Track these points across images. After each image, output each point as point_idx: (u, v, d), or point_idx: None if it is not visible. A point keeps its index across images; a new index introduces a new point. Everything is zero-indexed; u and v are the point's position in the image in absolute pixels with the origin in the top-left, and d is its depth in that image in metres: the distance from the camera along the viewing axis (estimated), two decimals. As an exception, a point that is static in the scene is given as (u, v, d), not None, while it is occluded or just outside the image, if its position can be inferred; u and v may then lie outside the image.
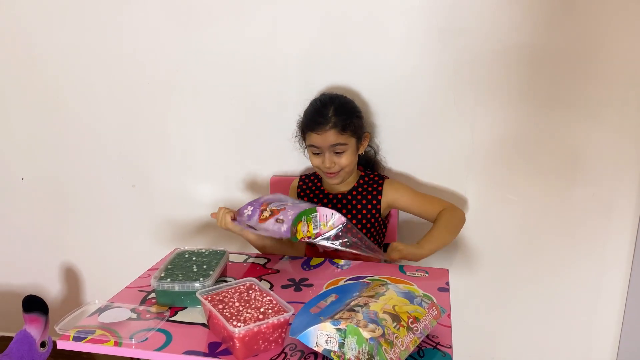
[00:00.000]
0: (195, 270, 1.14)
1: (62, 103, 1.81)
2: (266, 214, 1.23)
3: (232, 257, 1.34)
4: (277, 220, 1.19)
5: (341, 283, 1.17)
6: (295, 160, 1.68)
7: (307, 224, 1.18)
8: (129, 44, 1.70)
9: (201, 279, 1.09)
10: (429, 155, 1.60)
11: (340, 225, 1.21)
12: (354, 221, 1.48)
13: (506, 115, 1.51)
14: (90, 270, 2.00)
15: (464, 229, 1.48)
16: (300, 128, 1.48)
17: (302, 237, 1.17)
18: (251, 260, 1.34)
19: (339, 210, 1.50)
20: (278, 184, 1.68)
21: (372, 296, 0.95)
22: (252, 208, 1.27)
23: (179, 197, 1.82)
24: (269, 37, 1.59)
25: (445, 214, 1.43)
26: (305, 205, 1.21)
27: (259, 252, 1.41)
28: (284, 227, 1.16)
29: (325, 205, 1.51)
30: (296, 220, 1.16)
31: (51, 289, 2.04)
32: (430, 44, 1.50)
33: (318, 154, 1.43)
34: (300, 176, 1.61)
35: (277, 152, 1.68)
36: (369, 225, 1.49)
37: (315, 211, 1.19)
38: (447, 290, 1.15)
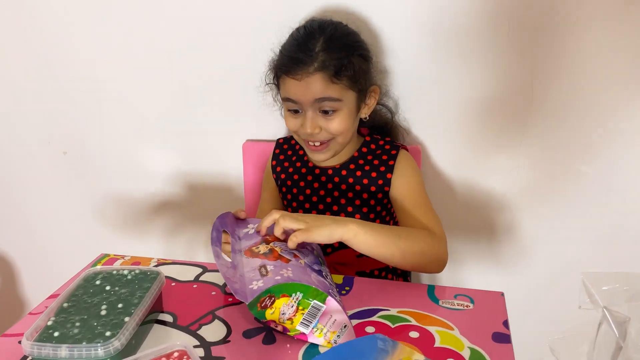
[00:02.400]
0: (103, 314, 0.71)
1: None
2: (262, 248, 0.79)
3: (181, 273, 0.91)
4: (261, 267, 0.75)
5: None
6: (277, 121, 1.21)
7: (297, 309, 0.70)
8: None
9: (108, 332, 0.66)
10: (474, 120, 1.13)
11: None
12: (349, 209, 1.03)
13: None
14: (24, 257, 1.58)
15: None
16: (273, 70, 1.01)
17: (266, 321, 0.71)
18: (208, 277, 0.90)
19: (327, 196, 1.05)
20: (253, 151, 1.23)
21: None
22: (254, 230, 0.87)
23: (125, 168, 1.37)
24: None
25: (420, 231, 0.93)
26: (317, 281, 0.74)
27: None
28: (255, 285, 0.72)
29: (308, 183, 1.06)
30: (280, 291, 0.70)
31: (-20, 279, 1.64)
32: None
33: (296, 111, 0.97)
34: (278, 140, 1.15)
35: (251, 110, 1.21)
36: (382, 212, 1.05)
37: (324, 302, 0.71)
38: (507, 338, 0.72)
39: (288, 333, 0.71)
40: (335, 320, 0.71)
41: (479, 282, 1.27)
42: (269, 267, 0.74)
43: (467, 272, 1.27)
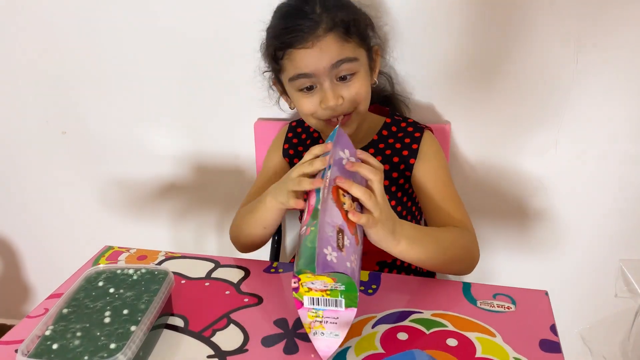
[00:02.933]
0: (107, 321, 0.63)
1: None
2: (346, 200, 0.67)
3: (191, 269, 0.83)
4: (339, 233, 0.64)
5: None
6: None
7: (325, 291, 0.61)
8: None
9: (113, 345, 0.59)
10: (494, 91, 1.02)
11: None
12: None
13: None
14: (26, 241, 1.51)
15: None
16: (269, 54, 0.90)
17: (299, 296, 0.63)
18: (220, 273, 0.82)
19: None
20: (265, 131, 1.14)
21: None
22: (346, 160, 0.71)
23: (128, 149, 1.28)
24: None
25: (460, 235, 0.84)
26: (358, 282, 0.64)
27: (236, 255, 0.90)
28: (329, 255, 0.60)
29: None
30: (337, 276, 0.60)
31: (-17, 264, 1.58)
32: None
33: (309, 89, 0.86)
34: (290, 123, 1.06)
35: (263, 87, 1.11)
36: (403, 198, 0.96)
37: (348, 307, 0.62)
38: (556, 347, 0.64)
39: (292, 290, 0.63)
40: (336, 323, 0.63)
41: (509, 271, 1.19)
42: (346, 241, 0.64)
43: (496, 261, 1.19)
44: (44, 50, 1.21)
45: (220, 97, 1.17)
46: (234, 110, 1.17)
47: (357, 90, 0.86)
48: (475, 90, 1.04)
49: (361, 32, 0.87)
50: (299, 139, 1.03)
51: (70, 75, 1.22)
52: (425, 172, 0.93)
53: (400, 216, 0.97)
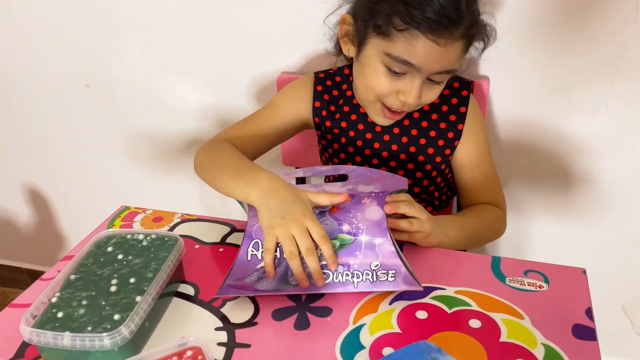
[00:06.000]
0: (113, 290, 0.62)
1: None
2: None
3: (206, 233, 0.80)
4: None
5: (392, 323, 0.61)
6: (315, 52, 1.04)
7: None
8: None
9: (117, 316, 0.57)
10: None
11: None
12: (410, 165, 0.88)
13: None
14: (56, 192, 1.53)
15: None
16: (380, 10, 0.71)
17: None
18: (235, 238, 0.79)
19: (383, 150, 0.89)
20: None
21: None
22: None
23: (151, 103, 1.24)
24: None
25: (494, 215, 0.85)
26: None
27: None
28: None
29: (366, 141, 0.90)
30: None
31: (20, 214, 1.61)
32: None
33: (397, 74, 0.74)
34: (317, 74, 0.93)
35: (287, 40, 1.04)
36: (437, 178, 0.90)
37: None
38: (591, 334, 0.59)
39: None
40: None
41: (548, 237, 1.12)
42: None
43: (534, 227, 1.12)
44: (65, 1, 1.16)
45: (242, 50, 1.11)
46: (257, 65, 1.11)
47: (434, 96, 0.78)
48: (518, 43, 0.94)
49: (473, 44, 0.76)
50: (330, 95, 0.91)
51: (92, 28, 1.18)
52: (468, 152, 0.87)
53: (441, 194, 0.92)
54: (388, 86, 0.75)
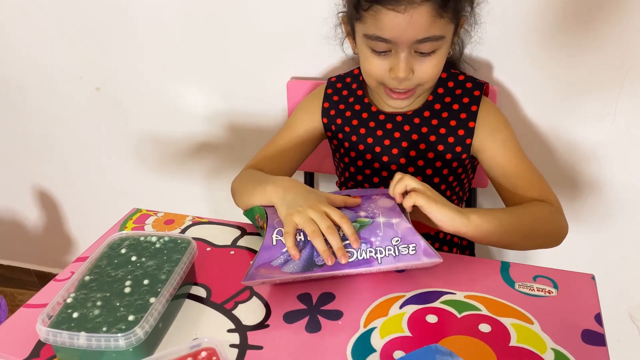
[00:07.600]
0: (127, 291, 0.62)
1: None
2: None
3: (217, 236, 0.81)
4: None
5: (403, 327, 0.62)
6: (325, 57, 1.05)
7: None
8: None
9: (132, 317, 0.58)
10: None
11: None
12: (420, 162, 0.89)
13: None
14: (65, 194, 1.54)
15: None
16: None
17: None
18: (246, 241, 0.80)
19: (394, 147, 0.90)
20: (298, 90, 1.08)
21: None
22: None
23: (160, 106, 1.26)
24: None
25: (538, 207, 0.79)
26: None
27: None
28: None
29: (377, 138, 0.91)
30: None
31: (29, 216, 1.63)
32: None
33: (383, 53, 0.78)
34: (329, 79, 0.97)
35: (297, 44, 1.06)
36: (449, 177, 0.91)
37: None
38: (600, 339, 0.59)
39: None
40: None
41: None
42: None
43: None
44: (76, 5, 1.18)
45: (252, 54, 1.12)
46: (266, 69, 1.12)
47: (432, 70, 0.79)
48: (526, 51, 0.94)
49: (459, 5, 0.77)
50: (339, 95, 0.94)
51: (103, 32, 1.20)
52: (492, 149, 0.85)
53: (453, 194, 0.92)
54: (379, 67, 0.79)
